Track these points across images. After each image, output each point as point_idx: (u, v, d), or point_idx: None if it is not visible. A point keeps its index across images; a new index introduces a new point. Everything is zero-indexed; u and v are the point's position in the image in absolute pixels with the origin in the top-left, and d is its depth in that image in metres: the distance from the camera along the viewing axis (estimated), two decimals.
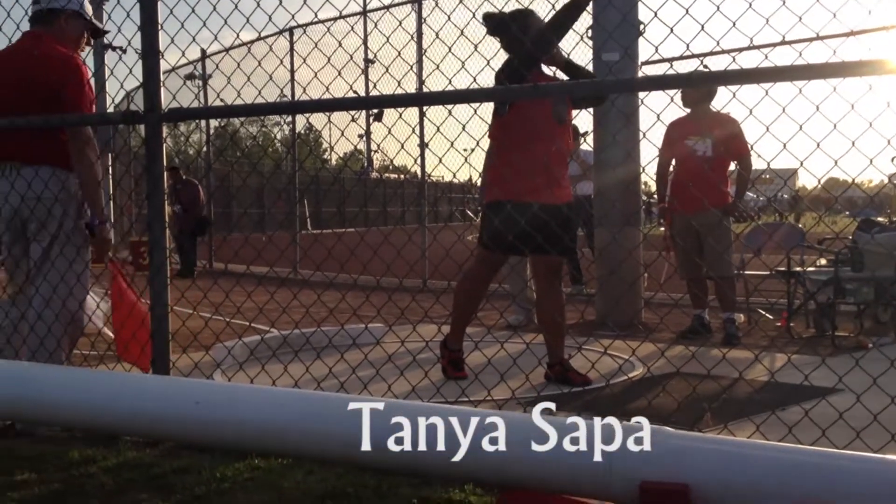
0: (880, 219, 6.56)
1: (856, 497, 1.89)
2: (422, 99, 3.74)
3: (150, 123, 3.34)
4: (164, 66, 3.41)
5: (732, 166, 6.38)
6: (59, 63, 3.66)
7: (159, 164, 3.36)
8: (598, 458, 2.12)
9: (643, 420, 2.15)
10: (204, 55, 14.79)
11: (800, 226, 7.48)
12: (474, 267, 4.84)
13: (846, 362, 3.13)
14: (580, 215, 8.36)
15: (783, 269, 6.49)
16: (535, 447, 2.20)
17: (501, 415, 2.38)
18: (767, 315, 7.10)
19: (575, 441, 2.19)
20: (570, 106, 4.69)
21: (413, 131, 3.55)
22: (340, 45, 3.70)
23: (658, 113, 3.06)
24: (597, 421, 2.30)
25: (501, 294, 7.39)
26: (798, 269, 6.54)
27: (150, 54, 3.34)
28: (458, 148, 3.60)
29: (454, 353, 4.89)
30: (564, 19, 4.28)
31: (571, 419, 2.34)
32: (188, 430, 2.57)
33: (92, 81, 3.78)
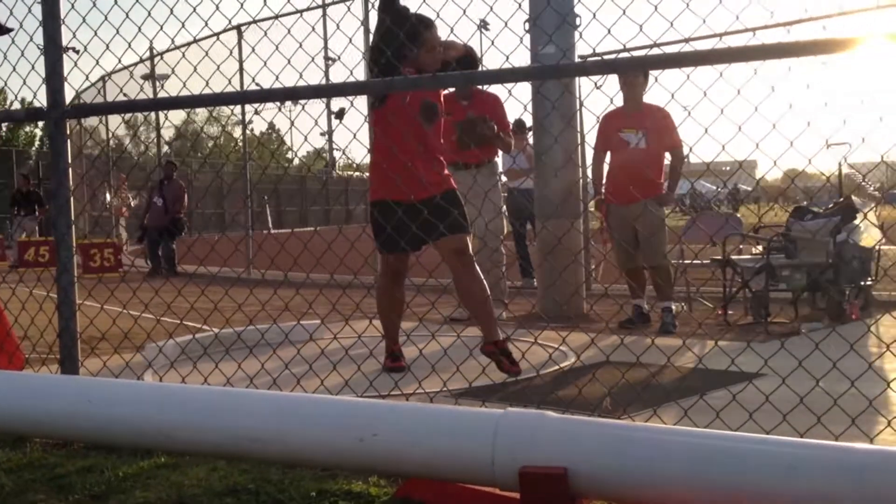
0: (814, 208, 6.62)
1: (736, 476, 1.91)
2: (343, 89, 3.70)
3: (53, 119, 3.29)
4: (112, 64, 3.37)
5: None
6: None
7: (64, 161, 3.31)
8: (481, 446, 2.12)
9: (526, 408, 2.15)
10: (153, 54, 14.62)
11: (737, 215, 7.55)
12: (381, 274, 4.94)
13: (775, 347, 3.16)
14: (528, 207, 8.48)
15: (718, 257, 6.55)
16: (422, 438, 2.20)
17: (392, 406, 2.38)
18: (708, 304, 7.16)
19: (460, 430, 2.19)
20: (440, 108, 4.75)
21: (316, 123, 3.48)
22: (266, 35, 3.66)
23: (599, 116, 3.06)
24: (481, 409, 2.30)
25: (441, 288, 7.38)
26: (733, 257, 6.59)
27: (52, 49, 3.29)
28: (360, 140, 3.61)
29: (390, 346, 4.95)
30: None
31: (454, 408, 2.34)
32: (80, 428, 2.54)
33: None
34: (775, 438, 1.98)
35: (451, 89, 6.49)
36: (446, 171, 4.81)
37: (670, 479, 1.96)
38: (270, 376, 3.77)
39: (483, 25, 14.19)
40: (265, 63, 3.32)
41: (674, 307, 6.30)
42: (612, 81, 5.83)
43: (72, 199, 3.43)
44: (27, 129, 41.60)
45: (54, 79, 3.30)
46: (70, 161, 3.44)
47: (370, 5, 10.65)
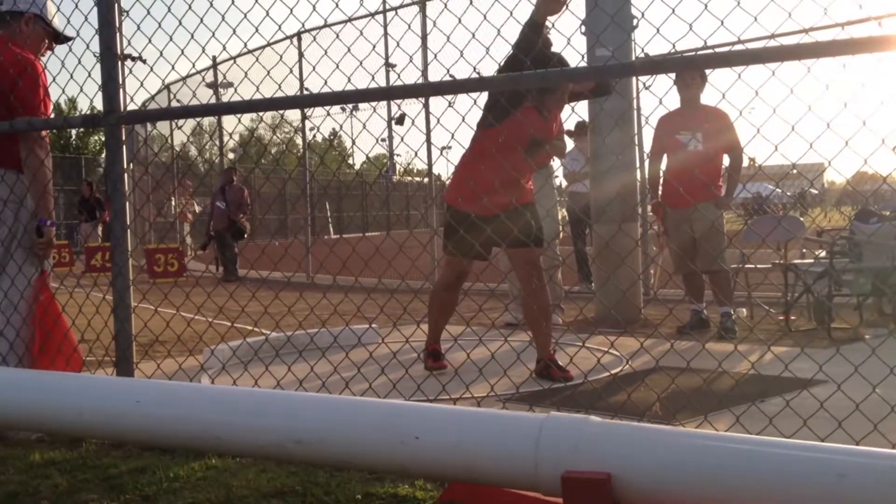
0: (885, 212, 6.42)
1: (782, 484, 1.85)
2: (391, 93, 3.72)
3: (109, 125, 3.36)
4: (174, 75, 3.44)
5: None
6: (12, 63, 3.65)
7: (119, 166, 3.38)
8: (524, 450, 2.10)
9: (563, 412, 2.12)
10: (215, 63, 14.90)
11: (799, 217, 7.37)
12: (442, 275, 5.00)
13: (833, 353, 3.08)
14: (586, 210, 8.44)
15: (779, 261, 6.41)
16: (464, 441, 2.18)
17: (434, 409, 2.37)
18: (769, 309, 7.02)
19: (503, 434, 2.17)
20: (548, 144, 4.81)
21: (364, 127, 3.51)
22: (315, 40, 3.69)
23: (647, 116, 3.03)
24: (524, 413, 2.28)
25: (501, 292, 7.38)
26: (796, 261, 6.44)
27: (108, 56, 3.35)
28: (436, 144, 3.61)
29: (431, 345, 5.04)
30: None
31: (497, 412, 2.32)
32: (129, 428, 2.58)
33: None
34: (825, 445, 1.92)
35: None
36: (529, 184, 4.87)
37: (716, 486, 1.91)
38: (320, 379, 3.80)
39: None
40: (314, 68, 3.33)
41: (733, 312, 6.17)
42: (665, 83, 5.76)
43: (127, 204, 3.50)
44: (97, 136, 42.66)
45: (110, 85, 3.36)
46: (126, 167, 3.50)
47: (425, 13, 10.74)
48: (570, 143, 9.20)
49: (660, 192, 6.39)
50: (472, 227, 4.44)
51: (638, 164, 7.27)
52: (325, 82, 3.29)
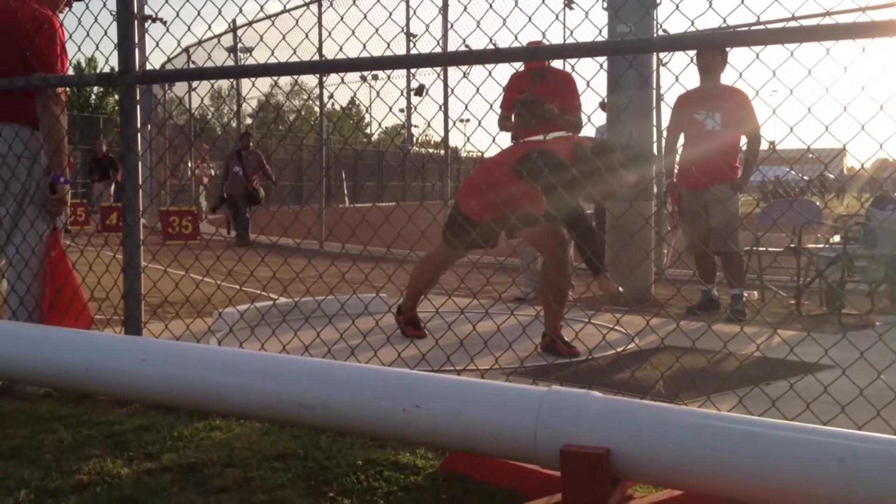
0: None
1: (781, 465, 1.86)
2: (407, 61, 3.70)
3: (124, 85, 3.36)
4: (190, 38, 3.44)
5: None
6: (29, 18, 3.65)
7: (133, 126, 3.37)
8: (524, 422, 2.10)
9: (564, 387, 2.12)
10: (234, 26, 14.85)
11: (815, 202, 7.32)
12: (437, 255, 4.99)
13: (839, 338, 3.07)
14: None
15: (792, 245, 6.37)
16: (465, 411, 2.19)
17: (436, 378, 2.38)
18: (779, 292, 6.99)
19: (503, 405, 2.18)
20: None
21: (379, 96, 3.50)
22: (332, 5, 3.66)
23: (664, 93, 3.00)
24: (525, 386, 2.28)
25: (511, 265, 7.38)
26: (809, 246, 6.41)
27: (124, 15, 3.35)
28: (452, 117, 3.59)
29: (409, 313, 5.06)
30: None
31: (499, 384, 2.32)
32: (134, 386, 2.60)
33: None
34: (826, 429, 1.92)
35: (520, 68, 6.46)
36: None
37: (714, 464, 1.91)
38: (326, 346, 3.81)
39: (568, 4, 14.03)
40: (329, 34, 3.31)
41: (744, 295, 6.14)
42: (683, 62, 5.71)
43: (140, 164, 3.50)
44: (114, 96, 42.64)
45: (126, 45, 3.35)
46: (141, 127, 3.50)
47: None
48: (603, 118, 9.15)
49: (675, 172, 6.35)
50: (475, 229, 4.49)
51: (654, 140, 7.22)
52: (341, 48, 3.27)
